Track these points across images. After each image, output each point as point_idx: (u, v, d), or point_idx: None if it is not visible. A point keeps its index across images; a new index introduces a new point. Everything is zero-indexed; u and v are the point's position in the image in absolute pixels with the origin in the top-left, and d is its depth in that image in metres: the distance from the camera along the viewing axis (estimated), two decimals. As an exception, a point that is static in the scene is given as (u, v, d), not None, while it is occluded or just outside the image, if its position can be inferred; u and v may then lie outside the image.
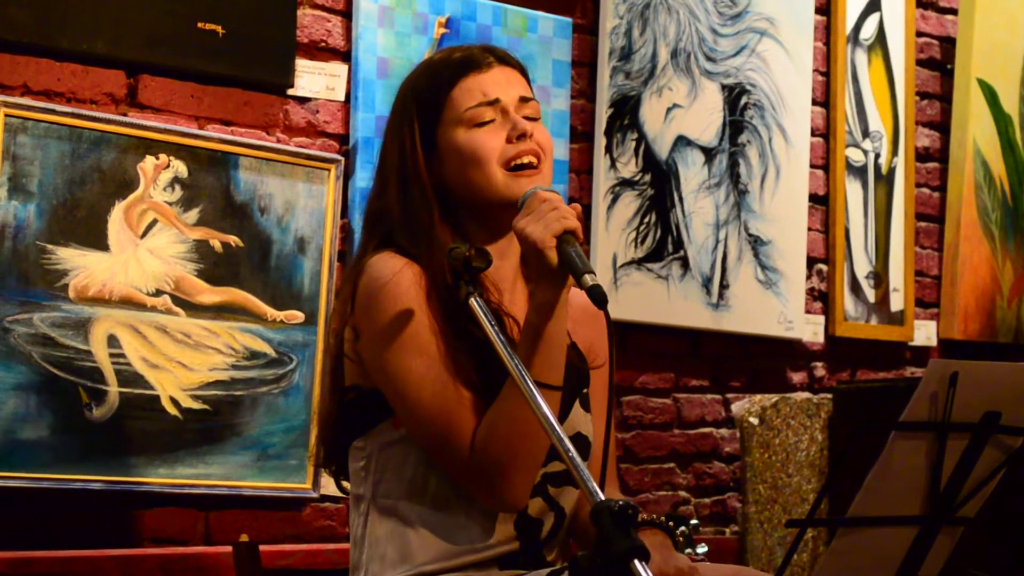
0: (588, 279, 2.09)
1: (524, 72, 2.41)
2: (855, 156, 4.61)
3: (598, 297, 2.07)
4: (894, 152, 4.71)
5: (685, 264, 4.11)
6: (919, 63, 4.84)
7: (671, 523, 2.30)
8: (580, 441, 2.34)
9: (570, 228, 2.15)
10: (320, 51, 3.46)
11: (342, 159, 3.41)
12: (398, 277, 2.25)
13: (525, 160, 2.31)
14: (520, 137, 2.30)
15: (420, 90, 2.37)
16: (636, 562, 1.73)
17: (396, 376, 2.23)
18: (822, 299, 4.53)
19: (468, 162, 2.31)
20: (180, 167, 3.19)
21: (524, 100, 2.35)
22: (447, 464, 2.23)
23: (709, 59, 4.19)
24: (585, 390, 2.39)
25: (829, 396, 4.33)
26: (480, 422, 2.21)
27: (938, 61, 4.91)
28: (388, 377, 2.25)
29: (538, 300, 2.19)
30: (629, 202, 4.00)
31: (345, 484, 2.39)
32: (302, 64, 3.41)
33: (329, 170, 3.38)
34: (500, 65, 2.36)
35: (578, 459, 1.91)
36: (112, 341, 3.09)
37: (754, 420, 4.16)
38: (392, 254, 2.28)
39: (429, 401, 2.21)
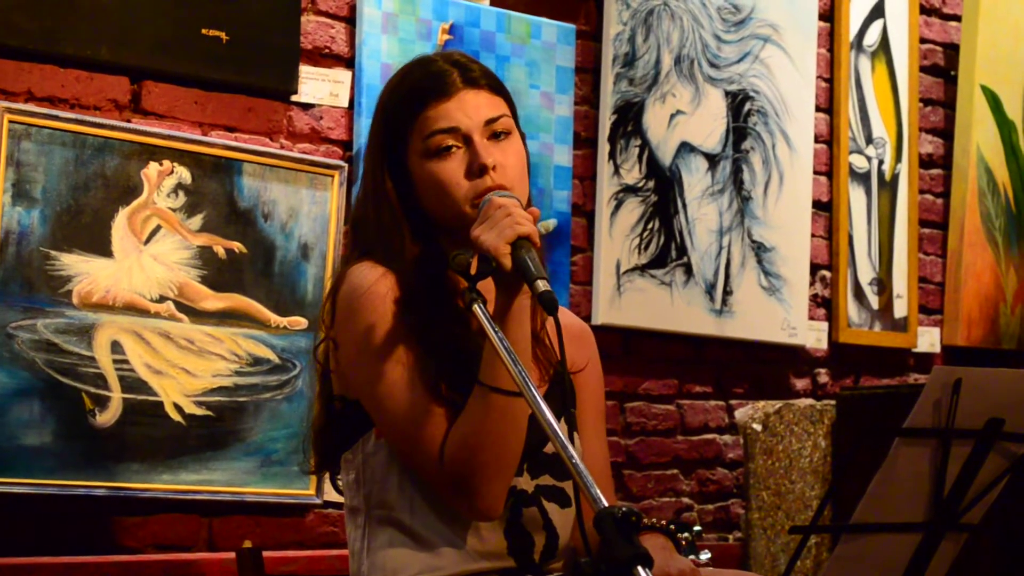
0: (540, 284, 2.08)
1: (495, 87, 2.35)
2: (859, 162, 4.60)
3: (548, 303, 2.06)
4: (898, 158, 4.71)
5: (688, 270, 4.11)
6: (923, 69, 4.84)
7: (673, 527, 2.30)
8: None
9: (523, 234, 2.13)
10: (324, 57, 3.46)
11: (346, 165, 3.41)
12: (374, 287, 2.25)
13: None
14: (481, 170, 2.27)
15: (389, 113, 2.35)
16: (639, 569, 1.73)
17: (371, 383, 2.24)
18: (825, 305, 4.53)
19: (435, 194, 2.29)
20: (184, 173, 3.19)
21: (491, 121, 2.30)
22: (419, 471, 2.24)
23: (713, 65, 4.19)
24: (572, 410, 2.38)
25: (832, 402, 4.32)
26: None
27: (942, 67, 4.91)
28: (364, 384, 2.26)
29: (496, 307, 2.19)
30: (632, 208, 4.00)
31: (341, 484, 2.39)
32: (306, 70, 3.41)
33: (333, 176, 3.38)
34: (466, 88, 2.31)
35: (581, 465, 1.89)
36: (115, 347, 3.09)
37: (757, 426, 4.16)
38: (371, 264, 2.29)
39: (401, 408, 2.22)
